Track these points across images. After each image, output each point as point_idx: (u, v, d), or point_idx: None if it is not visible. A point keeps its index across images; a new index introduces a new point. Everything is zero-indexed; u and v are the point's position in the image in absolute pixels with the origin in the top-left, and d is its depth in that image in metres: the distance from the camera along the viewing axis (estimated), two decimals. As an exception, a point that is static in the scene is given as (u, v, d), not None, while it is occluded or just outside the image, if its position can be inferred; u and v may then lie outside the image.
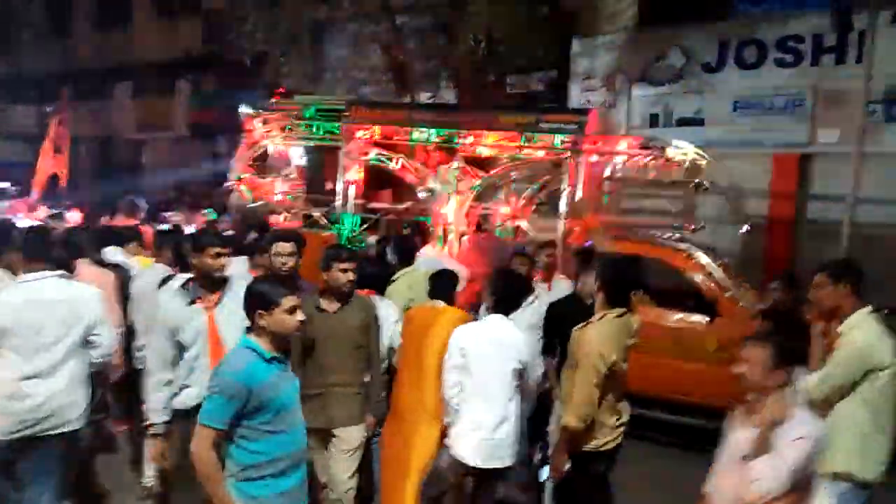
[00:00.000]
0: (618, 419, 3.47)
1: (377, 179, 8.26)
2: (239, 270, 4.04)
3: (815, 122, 11.59)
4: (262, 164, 8.49)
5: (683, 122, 12.81)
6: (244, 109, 8.37)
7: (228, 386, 2.52)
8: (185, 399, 3.39)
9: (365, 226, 7.69)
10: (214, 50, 14.48)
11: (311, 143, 8.25)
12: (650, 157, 6.89)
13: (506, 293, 3.78)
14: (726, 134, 12.32)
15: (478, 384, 3.57)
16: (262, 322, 2.65)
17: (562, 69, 14.10)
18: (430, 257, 6.25)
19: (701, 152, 6.94)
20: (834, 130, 11.33)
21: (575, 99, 13.79)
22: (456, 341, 3.64)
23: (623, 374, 3.44)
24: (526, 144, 7.08)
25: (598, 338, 3.30)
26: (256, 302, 2.67)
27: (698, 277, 6.01)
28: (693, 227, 6.49)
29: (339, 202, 7.69)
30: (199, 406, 2.69)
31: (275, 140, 8.25)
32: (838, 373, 3.15)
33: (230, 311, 3.33)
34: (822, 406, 3.16)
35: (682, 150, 6.74)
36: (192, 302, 3.41)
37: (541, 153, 7.23)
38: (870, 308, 3.21)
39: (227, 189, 8.55)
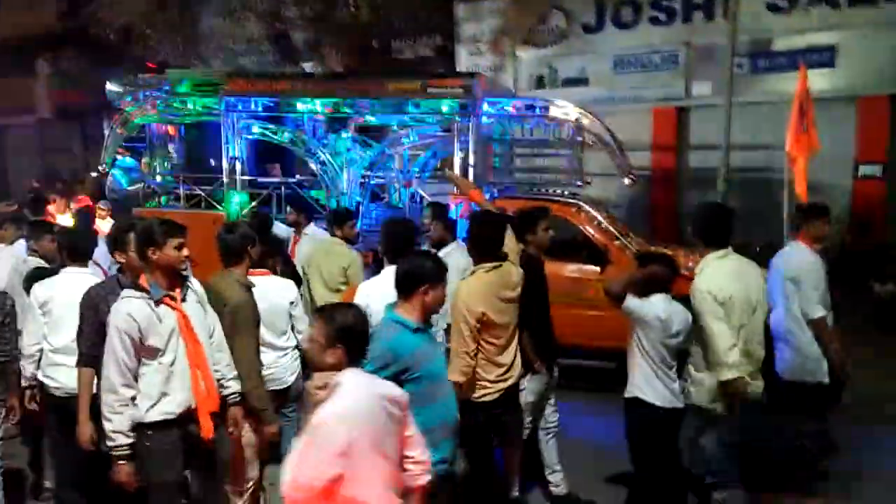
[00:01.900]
0: (500, 373, 3.52)
1: (265, 154, 7.95)
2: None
3: (689, 76, 12.21)
4: (139, 144, 7.96)
5: (569, 83, 13.14)
6: (112, 87, 7.79)
7: (380, 356, 2.55)
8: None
9: (255, 202, 7.40)
10: (74, 25, 13.37)
11: (189, 120, 7.80)
12: (537, 118, 7.00)
13: (396, 241, 3.76)
14: (609, 92, 12.76)
15: None
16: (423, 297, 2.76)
17: (448, 34, 14.07)
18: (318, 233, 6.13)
19: (585, 111, 7.13)
20: (707, 84, 11.99)
21: (463, 63, 13.82)
22: (360, 299, 3.58)
23: (502, 326, 3.50)
24: (415, 111, 7.00)
25: (465, 293, 3.41)
26: (418, 279, 2.76)
27: (589, 230, 6.21)
28: (581, 182, 6.68)
29: (225, 180, 7.34)
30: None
31: (148, 118, 7.74)
32: (710, 321, 3.29)
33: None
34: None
35: (567, 109, 6.89)
36: (158, 302, 3.04)
37: (431, 119, 7.19)
38: (719, 253, 3.39)
39: (102, 173, 7.98)
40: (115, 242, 3.51)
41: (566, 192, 6.92)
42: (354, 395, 2.26)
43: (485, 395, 3.48)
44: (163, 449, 3.07)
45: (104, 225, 7.28)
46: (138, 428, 3.03)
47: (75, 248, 4.17)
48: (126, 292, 3.06)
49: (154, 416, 3.07)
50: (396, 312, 2.78)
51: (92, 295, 3.44)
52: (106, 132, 7.87)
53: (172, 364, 3.07)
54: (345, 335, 2.31)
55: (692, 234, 3.45)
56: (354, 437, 2.19)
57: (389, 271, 3.60)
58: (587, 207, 6.45)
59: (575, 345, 5.71)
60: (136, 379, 3.05)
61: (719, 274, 3.31)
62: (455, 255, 4.63)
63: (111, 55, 12.29)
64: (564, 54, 13.23)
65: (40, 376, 3.99)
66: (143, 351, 3.00)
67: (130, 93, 7.67)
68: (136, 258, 3.20)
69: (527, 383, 3.92)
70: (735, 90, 8.09)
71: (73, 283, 3.96)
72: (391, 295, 3.40)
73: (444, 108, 6.85)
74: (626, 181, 6.62)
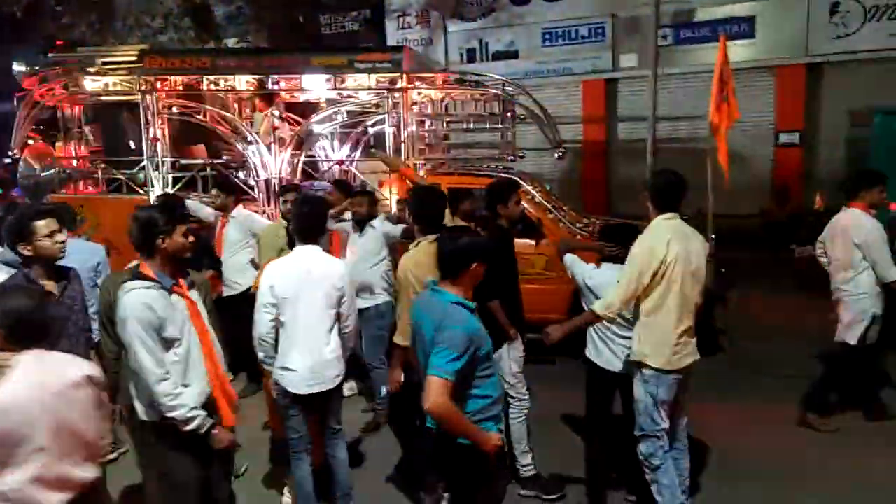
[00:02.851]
0: None
1: (188, 134, 7.64)
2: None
3: (616, 48, 12.39)
4: (50, 127, 7.51)
5: (499, 56, 13.16)
6: (18, 67, 7.31)
7: (458, 339, 2.55)
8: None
9: (178, 185, 7.11)
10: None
11: (102, 100, 7.41)
12: (467, 92, 6.95)
13: (306, 220, 3.68)
14: (538, 65, 12.85)
15: (293, 318, 3.57)
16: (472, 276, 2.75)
17: (377, 8, 13.82)
18: (244, 215, 5.95)
19: (515, 83, 7.12)
20: (633, 56, 12.20)
21: (392, 37, 13.63)
22: (266, 280, 3.59)
23: None
24: (342, 86, 6.84)
25: (413, 263, 3.61)
26: (470, 256, 2.72)
27: (523, 204, 6.24)
28: (514, 157, 6.69)
29: (145, 162, 7.02)
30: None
31: (58, 99, 7.30)
32: (630, 270, 3.38)
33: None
34: (625, 308, 3.44)
35: (497, 82, 6.86)
36: (169, 291, 2.93)
37: (362, 94, 7.05)
38: (668, 215, 3.46)
39: (12, 158, 7.50)
40: (19, 233, 3.23)
41: (499, 167, 6.94)
42: (14, 386, 2.22)
43: None
44: (187, 441, 2.93)
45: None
46: (162, 422, 2.91)
47: None
48: (133, 283, 2.87)
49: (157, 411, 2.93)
50: (451, 293, 2.72)
51: None
52: (16, 115, 7.37)
53: (188, 354, 2.96)
54: (5, 318, 2.28)
55: (648, 198, 3.52)
56: (6, 427, 2.17)
57: (298, 251, 3.64)
58: (521, 182, 6.48)
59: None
60: None
61: (665, 234, 3.37)
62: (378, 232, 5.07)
63: (17, 33, 11.53)
64: (494, 27, 13.21)
65: None
66: (162, 342, 2.88)
67: (39, 73, 7.21)
68: (137, 248, 3.00)
69: (505, 353, 3.99)
70: (660, 62, 8.24)
71: None
72: (294, 275, 3.50)
73: (373, 83, 6.73)
74: (557, 155, 6.66)
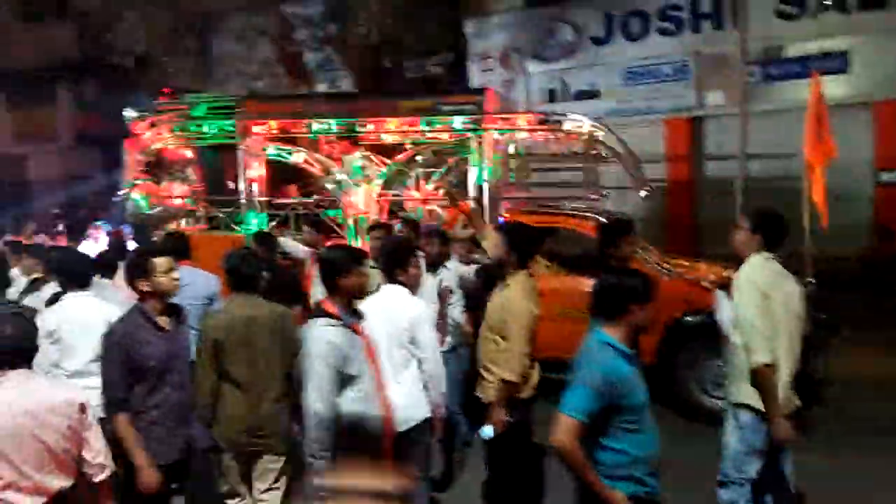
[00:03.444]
0: (536, 372, 3.73)
1: (281, 175, 8.01)
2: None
3: (701, 86, 12.20)
4: (156, 168, 8.04)
5: (580, 96, 13.19)
6: (129, 113, 7.90)
7: (595, 379, 2.46)
8: None
9: (273, 223, 7.45)
10: (92, 53, 13.62)
11: (205, 143, 7.89)
12: (550, 132, 7.01)
13: (391, 260, 3.73)
14: (620, 104, 12.79)
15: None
16: (631, 318, 2.60)
17: (459, 51, 14.19)
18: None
19: (597, 123, 7.13)
20: (719, 93, 11.98)
21: (474, 80, 13.92)
22: None
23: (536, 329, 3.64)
24: (427, 128, 7.05)
25: (523, 297, 3.54)
26: (624, 297, 2.60)
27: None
28: (597, 196, 6.67)
29: (242, 201, 7.40)
30: None
31: (165, 142, 7.84)
32: (752, 311, 3.20)
33: None
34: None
35: (580, 122, 6.90)
36: (350, 328, 3.02)
37: (444, 136, 7.23)
38: (767, 254, 3.36)
39: (122, 198, 8.07)
40: (140, 268, 3.37)
41: (582, 206, 6.92)
42: None
43: (529, 394, 3.65)
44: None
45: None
46: None
47: (72, 272, 4.26)
48: (319, 320, 2.99)
49: None
50: (604, 332, 2.60)
51: (117, 333, 3.32)
52: (125, 157, 7.96)
53: (367, 392, 3.00)
54: None
55: (750, 235, 3.41)
56: None
57: (386, 290, 3.65)
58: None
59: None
60: None
61: (766, 271, 3.28)
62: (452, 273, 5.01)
63: (129, 82, 12.51)
64: (575, 68, 13.28)
65: None
66: (343, 380, 2.93)
67: (147, 118, 7.77)
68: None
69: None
70: (748, 98, 8.07)
71: (79, 307, 4.09)
72: (381, 313, 3.45)
73: (457, 125, 6.90)
74: (642, 194, 6.60)
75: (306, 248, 6.67)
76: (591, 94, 13.19)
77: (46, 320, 4.07)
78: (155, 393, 3.32)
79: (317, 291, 6.13)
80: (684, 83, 12.33)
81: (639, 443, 2.55)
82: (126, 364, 3.22)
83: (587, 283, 6.06)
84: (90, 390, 3.94)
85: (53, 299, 4.35)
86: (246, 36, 11.53)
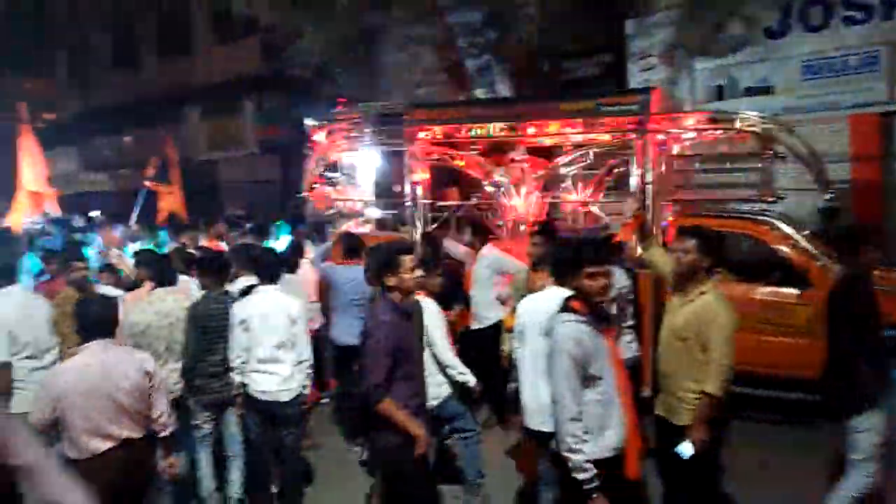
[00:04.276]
0: None
1: (443, 178, 8.32)
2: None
3: (893, 78, 11.01)
4: (331, 172, 8.68)
5: (751, 92, 12.37)
6: (309, 122, 8.56)
7: None
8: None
9: (435, 224, 7.77)
10: (275, 67, 14.92)
11: (375, 149, 8.38)
12: (721, 131, 6.69)
13: (561, 262, 3.79)
14: (797, 100, 11.85)
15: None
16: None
17: (617, 51, 13.87)
18: (493, 254, 6.31)
19: (773, 120, 6.71)
20: (915, 85, 10.75)
21: (633, 79, 13.53)
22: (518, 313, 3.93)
23: None
24: (589, 130, 7.00)
25: (724, 303, 3.44)
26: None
27: (785, 249, 5.82)
28: (772, 198, 6.27)
29: (407, 203, 7.78)
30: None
31: (340, 149, 8.43)
32: None
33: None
34: None
35: (753, 120, 6.52)
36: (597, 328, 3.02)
37: (605, 137, 7.14)
38: None
39: (302, 200, 8.78)
40: (389, 264, 3.56)
41: (756, 209, 6.55)
42: (69, 363, 3.37)
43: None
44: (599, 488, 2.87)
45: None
46: None
47: (265, 268, 4.73)
48: (566, 315, 2.99)
49: (595, 451, 2.91)
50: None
51: (379, 321, 3.50)
52: (304, 164, 8.65)
53: (608, 395, 2.95)
54: (79, 319, 3.41)
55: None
56: (57, 389, 3.28)
57: (553, 291, 3.73)
58: (781, 225, 6.05)
59: (768, 375, 5.38)
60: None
61: None
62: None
63: (305, 93, 13.56)
64: (745, 62, 12.50)
65: (247, 381, 4.56)
66: (585, 379, 2.92)
67: (325, 126, 8.39)
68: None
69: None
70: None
71: (266, 300, 4.56)
72: (543, 313, 3.52)
73: (619, 126, 6.79)
74: (826, 196, 6.11)
75: (466, 250, 6.91)
76: (763, 91, 12.35)
77: (238, 311, 4.60)
78: (408, 379, 3.57)
79: (476, 291, 6.36)
80: (873, 76, 11.18)
81: None
82: (392, 353, 3.44)
83: (761, 291, 5.79)
84: (273, 375, 4.47)
85: (245, 291, 4.88)
86: (410, 46, 12.05)
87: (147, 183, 11.02)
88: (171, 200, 11.48)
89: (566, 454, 2.85)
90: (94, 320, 3.46)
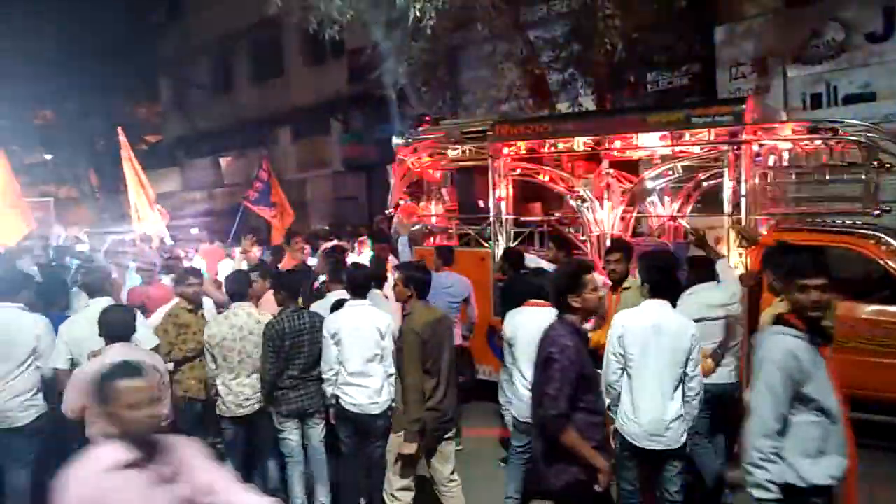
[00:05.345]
0: None
1: (526, 193, 8.33)
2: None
3: None
4: (416, 189, 8.84)
5: (850, 100, 11.77)
6: (396, 140, 8.76)
7: None
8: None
9: (518, 239, 7.78)
10: (360, 88, 15.39)
11: (460, 165, 8.49)
12: (821, 141, 6.39)
13: (655, 274, 3.81)
14: (904, 106, 11.17)
15: (639, 371, 3.69)
16: None
17: (705, 60, 13.50)
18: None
19: (877, 128, 6.36)
20: None
21: (722, 89, 13.12)
22: (614, 330, 3.80)
23: None
24: (678, 142, 6.84)
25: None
26: None
27: (893, 265, 5.49)
28: (877, 210, 5.92)
29: (491, 219, 7.83)
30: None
31: (425, 166, 8.59)
32: None
33: None
34: None
35: (857, 127, 6.20)
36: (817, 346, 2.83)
37: (695, 149, 6.96)
38: None
39: (388, 216, 8.99)
40: (570, 284, 3.43)
41: (860, 223, 6.21)
42: (95, 363, 3.85)
43: None
44: None
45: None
46: (787, 488, 2.71)
47: (356, 284, 4.89)
48: (779, 328, 2.82)
49: (813, 475, 2.71)
50: None
51: (570, 349, 3.28)
52: (390, 181, 8.87)
53: (828, 419, 2.74)
54: (104, 327, 4.10)
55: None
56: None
57: (648, 305, 3.74)
58: (889, 239, 5.72)
59: (875, 398, 5.07)
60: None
61: None
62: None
63: (388, 112, 13.90)
64: (844, 69, 11.91)
65: (339, 394, 4.69)
66: (797, 398, 2.73)
67: (411, 144, 8.58)
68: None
69: None
70: None
71: (356, 314, 4.71)
72: (640, 329, 3.62)
73: (711, 138, 6.61)
74: (940, 208, 5.72)
75: (551, 265, 6.87)
76: (864, 97, 11.72)
77: (329, 324, 4.75)
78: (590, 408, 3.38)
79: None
80: None
81: None
82: (577, 378, 3.26)
83: (867, 310, 5.46)
84: (363, 388, 4.61)
85: (336, 306, 5.05)
86: (493, 63, 12.15)
87: (247, 204, 11.54)
88: (281, 219, 11.79)
89: (748, 467, 2.71)
90: (115, 325, 4.07)
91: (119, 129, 11.62)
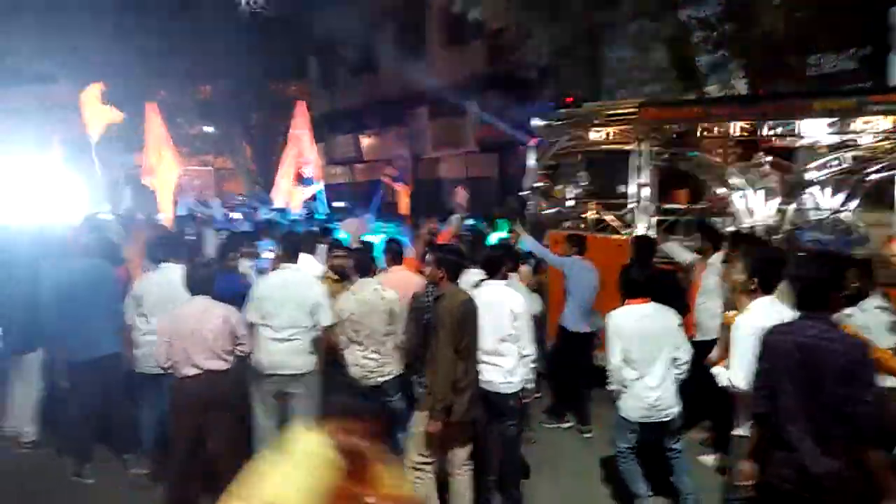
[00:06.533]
0: None
1: (671, 179, 7.98)
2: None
3: None
4: (554, 172, 8.73)
5: None
6: (536, 122, 8.68)
7: None
8: None
9: (662, 227, 7.48)
10: (500, 69, 15.35)
11: (602, 149, 8.27)
12: None
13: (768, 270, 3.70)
14: None
15: None
16: None
17: (877, 42, 12.24)
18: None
19: None
20: None
21: (894, 74, 11.85)
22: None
23: None
24: (848, 130, 6.28)
25: None
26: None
27: None
28: None
29: (632, 205, 7.57)
30: None
31: (565, 148, 8.44)
32: None
33: None
34: None
35: None
36: None
37: (868, 138, 6.35)
38: None
39: (525, 198, 8.95)
40: (835, 282, 3.28)
41: None
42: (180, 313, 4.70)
43: None
44: None
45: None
46: None
47: (493, 265, 5.01)
48: None
49: None
50: None
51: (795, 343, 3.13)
52: (527, 162, 8.80)
53: None
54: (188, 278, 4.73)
55: None
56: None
57: (760, 303, 3.69)
58: None
59: None
60: None
61: None
62: None
63: (525, 93, 13.77)
64: None
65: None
66: None
67: (552, 126, 8.45)
68: None
69: None
70: None
71: (491, 294, 4.82)
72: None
73: (890, 127, 6.00)
74: None
75: (694, 256, 6.57)
76: None
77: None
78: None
79: (704, 300, 6.02)
80: None
81: None
82: None
83: None
84: (497, 368, 4.66)
85: (476, 286, 5.11)
86: (639, 43, 11.68)
87: (385, 179, 12.00)
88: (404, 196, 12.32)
89: None
90: (198, 281, 4.61)
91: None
